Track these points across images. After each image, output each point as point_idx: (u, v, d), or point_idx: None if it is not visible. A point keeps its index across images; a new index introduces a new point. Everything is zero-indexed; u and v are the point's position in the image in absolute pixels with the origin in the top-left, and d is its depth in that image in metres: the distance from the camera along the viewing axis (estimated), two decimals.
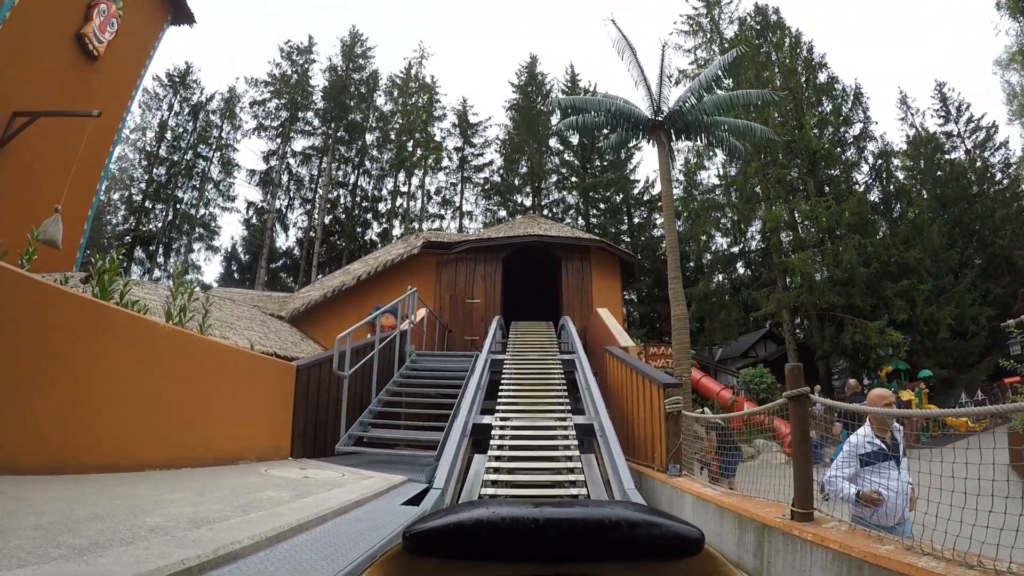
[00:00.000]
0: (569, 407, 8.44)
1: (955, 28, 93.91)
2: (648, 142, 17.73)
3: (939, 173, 37.89)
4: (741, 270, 40.08)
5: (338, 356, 8.04)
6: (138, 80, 15.73)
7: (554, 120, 45.09)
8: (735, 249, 39.14)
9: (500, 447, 6.93)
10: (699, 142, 19.80)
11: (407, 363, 11.37)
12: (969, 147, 39.71)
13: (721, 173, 37.26)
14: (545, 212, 41.17)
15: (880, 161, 36.51)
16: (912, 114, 41.61)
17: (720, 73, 16.54)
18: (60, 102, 11.64)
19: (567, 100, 17.55)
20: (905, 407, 20.42)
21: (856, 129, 36.88)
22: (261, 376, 7.32)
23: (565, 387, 9.41)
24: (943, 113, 41.14)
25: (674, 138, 17.34)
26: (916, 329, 27.07)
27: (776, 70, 34.94)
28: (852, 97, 37.14)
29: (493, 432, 7.27)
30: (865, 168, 36.51)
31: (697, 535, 1.13)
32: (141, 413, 5.20)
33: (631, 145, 42.51)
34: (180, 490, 4.39)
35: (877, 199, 35.14)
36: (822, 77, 36.33)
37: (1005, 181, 37.81)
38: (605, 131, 18.31)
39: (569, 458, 6.58)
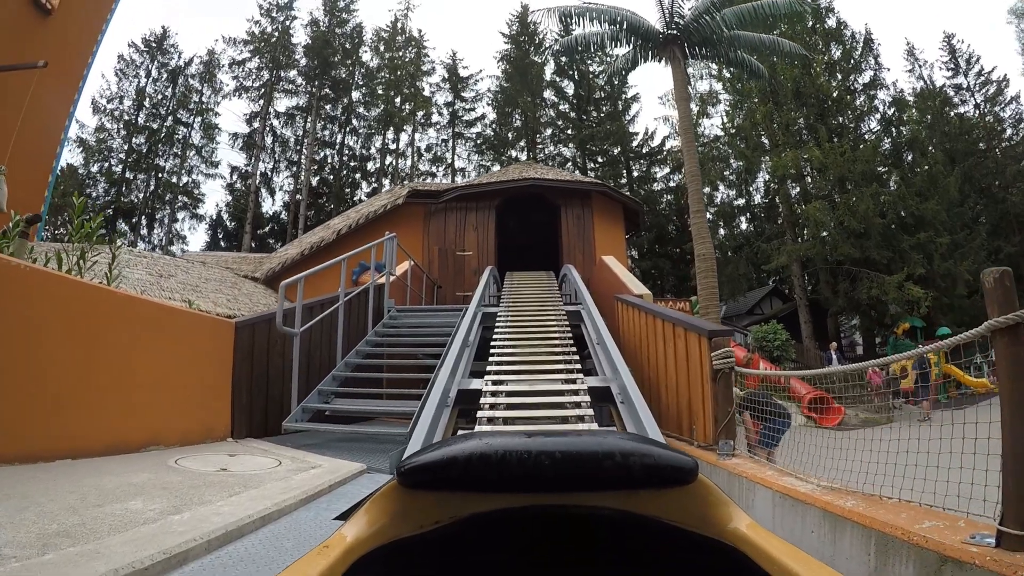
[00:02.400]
0: (579, 366, 6.78)
1: None
2: (659, 61, 15.74)
3: (946, 128, 36.03)
4: (744, 225, 38.65)
5: (283, 309, 6.29)
6: (99, 36, 13.89)
7: (548, 71, 43.46)
8: (740, 202, 37.69)
9: (492, 419, 5.28)
10: (715, 65, 17.83)
11: (384, 320, 9.69)
12: (979, 101, 37.86)
13: (724, 122, 35.52)
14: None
15: (892, 110, 34.63)
16: (920, 66, 39.44)
17: None
18: (11, 59, 9.92)
19: (565, 8, 15.22)
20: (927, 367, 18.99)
21: (866, 77, 34.96)
22: (185, 336, 5.72)
23: (572, 342, 7.71)
24: (952, 66, 39.05)
25: (688, 57, 15.35)
26: (934, 285, 25.51)
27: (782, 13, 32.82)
28: (862, 44, 35.11)
29: (483, 400, 5.63)
30: (876, 117, 34.71)
31: (692, 464, 1.12)
32: None
33: (630, 89, 41.01)
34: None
35: (887, 150, 33.37)
36: (830, 22, 34.25)
37: (1016, 136, 36.02)
38: (609, 52, 16.17)
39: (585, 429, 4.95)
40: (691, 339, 6.29)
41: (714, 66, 34.78)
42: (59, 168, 14.08)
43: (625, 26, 14.83)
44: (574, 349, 7.39)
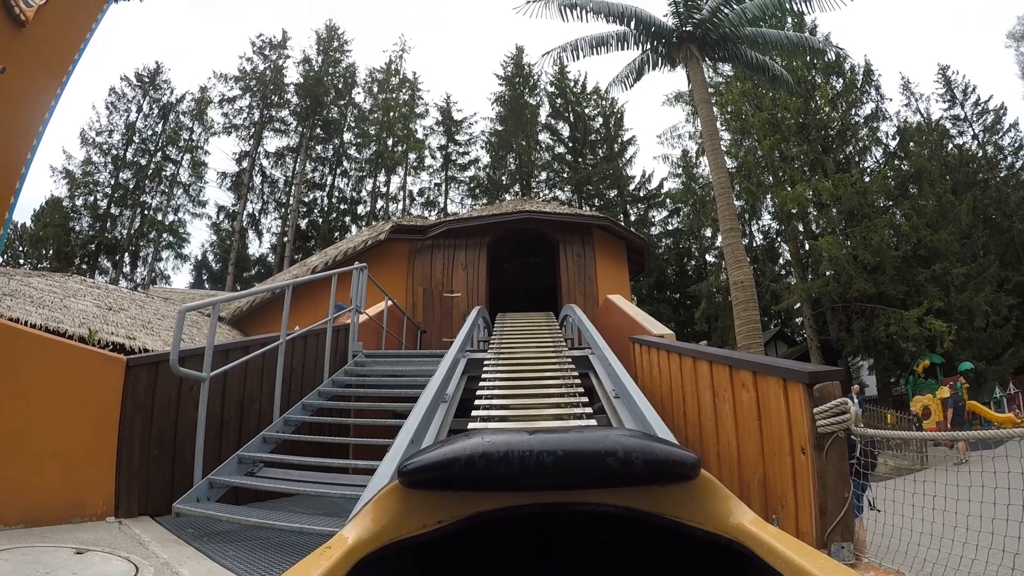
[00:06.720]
0: (594, 422, 5.01)
1: (955, 17, 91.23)
2: (672, 66, 14.20)
3: (946, 160, 35.30)
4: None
5: (179, 344, 4.45)
6: (76, 55, 12.54)
7: (543, 113, 42.69)
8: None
9: None
10: (732, 68, 16.45)
11: (346, 367, 7.99)
12: (977, 131, 37.53)
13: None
14: None
15: (896, 141, 34.19)
16: (916, 100, 39.02)
17: None
18: None
19: None
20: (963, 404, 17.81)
21: (867, 109, 34.49)
22: (44, 373, 4.14)
23: (584, 396, 5.77)
24: (948, 97, 38.71)
25: (704, 59, 13.84)
26: (952, 318, 24.45)
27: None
28: (862, 75, 34.62)
29: None
30: (880, 149, 34.28)
31: (694, 460, 1.10)
32: None
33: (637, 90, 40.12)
34: None
35: (892, 182, 32.57)
36: (829, 55, 33.71)
37: (1017, 164, 35.73)
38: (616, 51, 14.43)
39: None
40: (768, 388, 4.37)
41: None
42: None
43: (634, 24, 13.32)
44: (586, 400, 5.68)
